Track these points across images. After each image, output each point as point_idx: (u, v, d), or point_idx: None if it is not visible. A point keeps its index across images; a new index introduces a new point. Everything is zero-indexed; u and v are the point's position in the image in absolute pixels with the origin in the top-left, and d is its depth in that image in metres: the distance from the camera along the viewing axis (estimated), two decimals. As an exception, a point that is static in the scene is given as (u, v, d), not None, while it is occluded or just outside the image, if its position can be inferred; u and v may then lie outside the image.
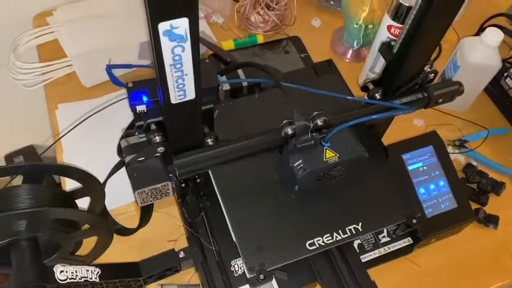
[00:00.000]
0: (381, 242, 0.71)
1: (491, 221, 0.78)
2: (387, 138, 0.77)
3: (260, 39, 0.97)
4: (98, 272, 0.59)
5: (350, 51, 0.97)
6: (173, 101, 0.49)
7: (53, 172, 0.57)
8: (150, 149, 0.55)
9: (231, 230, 0.63)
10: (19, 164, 0.53)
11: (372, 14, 0.89)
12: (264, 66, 0.70)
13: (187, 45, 0.43)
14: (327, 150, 0.61)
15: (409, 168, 0.72)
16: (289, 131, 0.59)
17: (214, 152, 0.59)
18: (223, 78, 0.78)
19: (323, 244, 0.62)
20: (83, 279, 0.56)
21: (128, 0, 1.00)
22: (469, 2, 1.03)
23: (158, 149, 0.55)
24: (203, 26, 0.99)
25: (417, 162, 0.73)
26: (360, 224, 0.64)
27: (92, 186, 0.62)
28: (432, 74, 0.66)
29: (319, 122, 0.59)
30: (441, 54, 1.02)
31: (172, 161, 0.57)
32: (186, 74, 0.46)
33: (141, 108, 0.55)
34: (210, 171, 0.67)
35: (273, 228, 0.63)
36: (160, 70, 0.44)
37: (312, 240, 0.62)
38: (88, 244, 0.66)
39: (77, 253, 0.66)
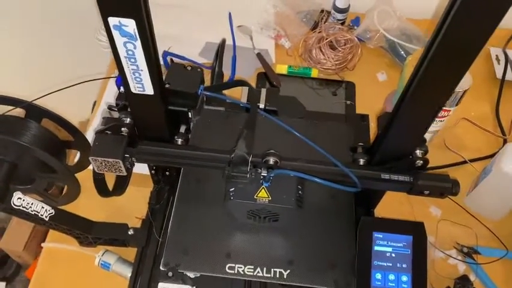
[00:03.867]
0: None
1: None
2: (392, 213, 0.72)
3: (314, 73, 0.98)
4: (52, 213, 0.67)
5: (400, 115, 0.92)
6: (133, 90, 0.54)
7: (48, 117, 0.66)
8: (116, 126, 0.61)
9: (169, 224, 0.66)
10: (20, 99, 0.63)
11: (424, 84, 0.83)
12: (250, 89, 0.71)
13: (138, 44, 0.47)
14: (262, 189, 0.61)
15: (375, 248, 0.67)
16: None
17: (176, 151, 0.63)
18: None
19: (241, 272, 0.62)
20: (33, 213, 0.65)
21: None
22: None
23: (123, 128, 0.60)
24: (269, 45, 1.03)
25: (386, 246, 0.67)
26: (288, 271, 0.62)
27: (82, 143, 0.70)
28: (422, 162, 0.60)
29: (270, 160, 0.59)
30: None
31: (136, 145, 0.62)
32: (142, 70, 0.51)
33: (124, 89, 0.61)
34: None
35: (207, 239, 0.64)
36: (116, 59, 0.50)
37: (233, 265, 0.62)
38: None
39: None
